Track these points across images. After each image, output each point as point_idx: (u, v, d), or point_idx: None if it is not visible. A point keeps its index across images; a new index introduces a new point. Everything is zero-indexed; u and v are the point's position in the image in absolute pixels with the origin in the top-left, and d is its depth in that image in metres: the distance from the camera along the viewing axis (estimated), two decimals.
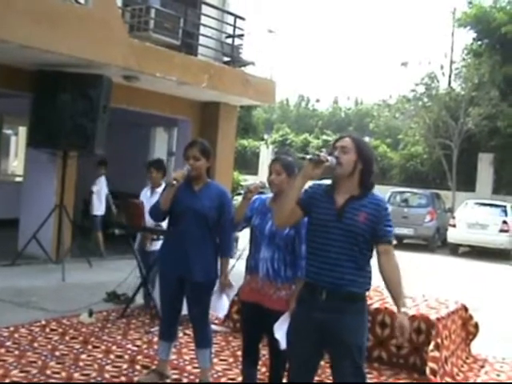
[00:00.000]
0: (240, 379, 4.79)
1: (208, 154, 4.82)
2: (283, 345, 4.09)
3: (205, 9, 12.33)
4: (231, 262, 4.90)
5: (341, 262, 3.41)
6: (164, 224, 5.58)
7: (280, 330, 4.10)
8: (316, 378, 3.78)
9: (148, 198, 7.09)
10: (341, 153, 3.47)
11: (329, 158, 3.42)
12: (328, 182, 3.59)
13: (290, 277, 4.22)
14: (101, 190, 10.94)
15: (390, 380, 5.60)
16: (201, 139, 5.08)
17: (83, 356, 5.56)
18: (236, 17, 12.76)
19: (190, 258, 4.72)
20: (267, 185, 4.46)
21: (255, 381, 4.59)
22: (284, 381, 4.48)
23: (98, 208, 10.89)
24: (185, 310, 4.99)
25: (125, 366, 5.39)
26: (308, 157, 3.44)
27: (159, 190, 6.81)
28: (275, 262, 4.24)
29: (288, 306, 4.10)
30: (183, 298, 4.91)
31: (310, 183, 3.64)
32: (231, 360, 5.78)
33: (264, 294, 4.27)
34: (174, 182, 4.61)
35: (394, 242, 13.29)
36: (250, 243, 4.47)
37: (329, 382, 5.20)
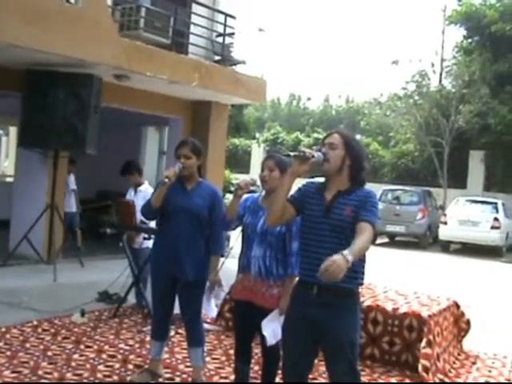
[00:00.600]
0: (233, 378, 4.79)
1: (199, 153, 4.83)
2: (270, 341, 4.10)
3: (195, 7, 12.30)
4: (227, 263, 4.89)
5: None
6: (152, 223, 5.60)
7: (268, 327, 4.11)
8: (309, 376, 3.78)
9: (132, 196, 7.43)
10: (329, 149, 3.48)
11: (315, 154, 3.42)
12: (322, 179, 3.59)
13: (282, 274, 4.22)
14: (70, 187, 10.90)
15: (383, 377, 5.61)
16: (192, 138, 5.09)
17: (75, 356, 5.54)
18: (226, 15, 12.75)
19: (181, 257, 4.71)
20: (258, 182, 4.46)
21: (248, 379, 4.60)
22: (277, 379, 4.49)
23: (68, 205, 10.85)
24: (177, 309, 4.98)
25: (117, 365, 5.39)
26: (292, 154, 3.44)
27: (142, 187, 7.38)
28: (267, 259, 4.25)
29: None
30: (175, 296, 4.91)
31: (304, 181, 3.66)
32: (224, 359, 5.78)
33: (256, 291, 4.27)
34: (166, 180, 4.61)
35: (386, 239, 13.25)
36: (241, 241, 4.47)
37: (323, 380, 5.22)
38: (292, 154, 3.44)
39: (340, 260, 3.00)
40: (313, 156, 3.41)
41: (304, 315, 3.47)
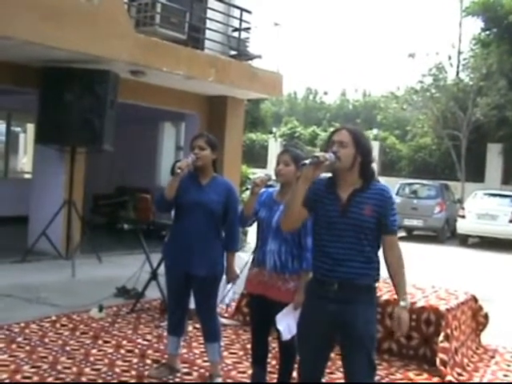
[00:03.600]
0: (250, 372, 4.80)
1: (214, 146, 4.80)
2: (285, 336, 4.11)
3: (211, 2, 12.30)
4: (245, 257, 4.88)
5: (350, 257, 3.42)
6: None
7: (282, 322, 4.11)
8: (326, 370, 3.78)
9: None
10: (339, 147, 3.44)
11: (327, 156, 3.39)
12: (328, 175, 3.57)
13: (298, 268, 4.23)
14: None
15: (400, 371, 5.59)
16: (207, 133, 5.07)
17: (94, 351, 5.58)
18: (242, 10, 12.72)
19: (195, 253, 4.71)
20: (273, 177, 4.46)
21: (265, 374, 4.61)
22: (294, 373, 4.50)
23: None
24: (193, 304, 5.00)
25: (135, 360, 5.41)
26: (308, 161, 3.40)
27: None
28: (282, 254, 4.25)
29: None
30: (190, 292, 4.91)
31: None
32: (241, 353, 5.79)
33: (271, 285, 4.28)
34: (179, 171, 4.58)
35: (403, 233, 13.26)
36: (256, 236, 4.47)
37: (340, 374, 5.22)
38: (308, 161, 3.40)
39: (404, 314, 3.44)
40: (326, 159, 3.38)
41: (323, 310, 3.46)
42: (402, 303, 3.43)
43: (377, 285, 3.59)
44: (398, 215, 3.54)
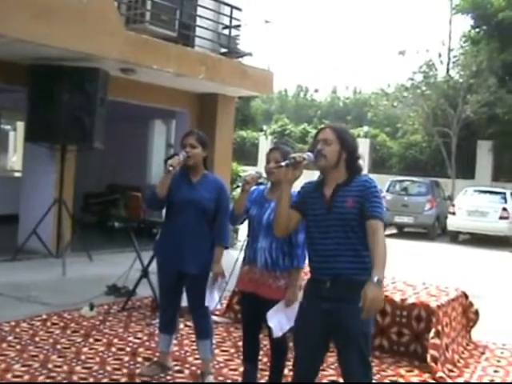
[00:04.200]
0: (242, 369, 4.80)
1: (204, 143, 4.82)
2: (276, 333, 4.11)
3: (201, 0, 12.28)
4: (235, 254, 4.86)
5: (340, 252, 3.43)
6: None
7: (273, 318, 4.12)
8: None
9: None
10: (324, 145, 3.47)
11: (304, 155, 3.44)
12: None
13: (289, 266, 4.23)
14: None
15: (391, 368, 5.61)
16: (197, 130, 5.07)
17: (85, 349, 5.57)
18: (232, 7, 12.70)
19: (187, 251, 4.71)
20: (264, 174, 4.46)
21: (257, 371, 4.62)
22: (285, 371, 4.51)
23: None
24: (185, 302, 4.99)
25: (126, 358, 5.41)
26: (284, 163, 3.44)
27: None
28: (273, 251, 4.26)
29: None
30: (182, 290, 4.91)
31: (302, 183, 3.67)
32: (233, 351, 5.79)
33: (263, 283, 4.28)
34: (170, 169, 4.59)
35: (394, 230, 13.22)
36: (247, 233, 4.47)
37: (332, 371, 5.24)
38: (284, 163, 3.45)
39: (373, 293, 3.13)
40: (304, 159, 3.43)
41: (317, 309, 3.48)
42: (374, 278, 3.17)
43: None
44: (383, 207, 3.48)
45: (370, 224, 3.39)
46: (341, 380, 3.72)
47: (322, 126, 3.77)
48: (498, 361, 6.16)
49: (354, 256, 3.44)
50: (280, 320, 4.08)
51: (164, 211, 4.99)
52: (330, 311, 3.43)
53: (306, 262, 3.99)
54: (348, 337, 3.44)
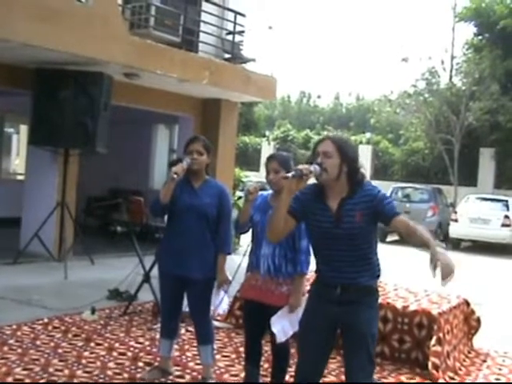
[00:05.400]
0: (243, 375, 4.80)
1: (209, 150, 4.83)
2: (280, 338, 4.11)
3: (205, 5, 12.31)
4: (237, 260, 4.88)
5: (349, 264, 3.46)
6: None
7: (277, 324, 4.12)
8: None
9: None
10: (324, 158, 3.42)
11: (311, 168, 3.39)
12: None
13: (291, 272, 4.23)
14: None
15: (393, 375, 5.60)
16: (203, 136, 5.05)
17: (86, 353, 5.57)
18: (236, 13, 12.73)
19: (189, 256, 4.71)
20: (266, 185, 4.46)
21: (258, 377, 4.61)
22: (287, 377, 4.50)
23: None
24: (186, 307, 4.99)
25: (127, 363, 5.40)
26: (290, 174, 3.41)
27: None
28: (276, 258, 4.25)
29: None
30: (183, 295, 4.90)
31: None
32: (234, 356, 5.78)
33: (266, 290, 4.28)
34: (175, 176, 4.59)
35: (396, 237, 13.19)
36: (251, 240, 4.47)
37: (332, 378, 5.23)
38: (290, 175, 3.41)
39: (445, 256, 3.23)
40: (310, 172, 3.39)
41: (325, 312, 3.50)
42: (437, 248, 3.29)
43: (378, 283, 3.61)
44: (395, 203, 3.53)
45: (398, 220, 3.42)
46: None
47: (321, 136, 3.74)
48: (500, 369, 6.14)
49: (362, 265, 3.47)
50: (283, 325, 4.09)
51: (166, 217, 4.99)
52: (339, 314, 3.46)
53: (310, 268, 4.00)
54: (357, 337, 3.47)
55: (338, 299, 3.47)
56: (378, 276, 3.57)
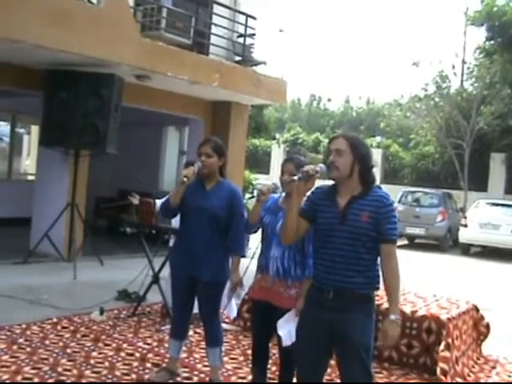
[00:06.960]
0: (250, 378, 4.80)
1: (221, 152, 4.80)
2: (286, 342, 4.11)
3: (216, 8, 12.34)
4: (245, 262, 4.88)
5: (348, 266, 3.40)
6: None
7: (284, 327, 4.12)
8: (326, 377, 3.78)
9: None
10: (336, 156, 3.43)
11: (317, 168, 3.41)
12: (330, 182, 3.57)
13: (300, 275, 4.23)
14: None
15: (401, 380, 5.59)
16: (215, 137, 5.04)
17: (94, 354, 5.59)
18: (247, 16, 12.76)
19: (199, 258, 4.72)
20: (279, 185, 4.47)
21: (265, 379, 4.61)
22: (294, 380, 4.50)
23: None
24: (196, 309, 5.00)
25: (135, 363, 5.42)
26: (296, 177, 3.42)
27: None
28: (285, 260, 4.25)
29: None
30: (194, 297, 4.91)
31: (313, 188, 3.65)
32: (241, 358, 5.79)
33: (274, 292, 4.28)
34: (185, 179, 4.60)
35: (405, 241, 13.16)
36: (261, 242, 4.48)
37: (338, 381, 5.22)
38: (296, 177, 3.42)
39: (392, 329, 3.34)
40: (316, 172, 3.41)
41: (319, 319, 3.46)
42: (391, 317, 3.36)
43: (376, 293, 3.58)
44: (398, 224, 3.47)
45: (386, 248, 3.40)
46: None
47: (335, 134, 3.74)
48: (509, 376, 6.11)
49: (360, 271, 3.42)
50: (290, 329, 4.08)
51: (173, 221, 5.01)
52: (332, 321, 3.41)
53: None
54: (350, 348, 3.41)
55: (330, 305, 3.42)
56: (377, 288, 3.52)
